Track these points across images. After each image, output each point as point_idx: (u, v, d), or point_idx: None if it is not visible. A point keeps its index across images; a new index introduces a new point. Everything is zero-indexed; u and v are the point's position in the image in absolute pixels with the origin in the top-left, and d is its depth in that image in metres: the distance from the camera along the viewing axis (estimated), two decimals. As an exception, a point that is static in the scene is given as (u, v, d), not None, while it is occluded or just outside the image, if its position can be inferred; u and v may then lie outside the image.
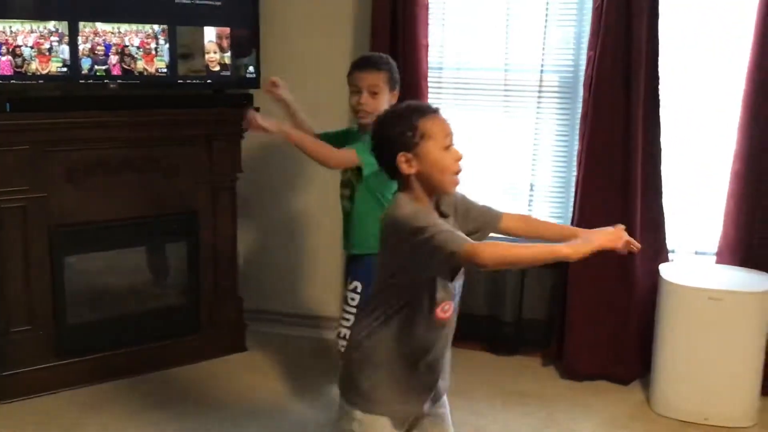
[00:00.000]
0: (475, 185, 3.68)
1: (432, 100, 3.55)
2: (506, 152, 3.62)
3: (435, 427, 2.01)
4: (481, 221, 2.00)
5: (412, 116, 1.82)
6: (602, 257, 3.28)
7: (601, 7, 3.19)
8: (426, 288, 1.81)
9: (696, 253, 3.47)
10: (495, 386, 3.37)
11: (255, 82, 3.47)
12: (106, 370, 3.31)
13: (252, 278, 3.91)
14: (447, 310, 1.89)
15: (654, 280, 3.23)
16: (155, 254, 3.64)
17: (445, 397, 2.04)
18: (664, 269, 3.21)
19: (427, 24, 3.46)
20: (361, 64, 2.65)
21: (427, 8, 3.44)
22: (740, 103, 3.18)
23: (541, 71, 3.47)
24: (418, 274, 1.79)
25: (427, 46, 3.48)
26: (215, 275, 3.57)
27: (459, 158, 1.86)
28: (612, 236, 1.89)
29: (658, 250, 3.36)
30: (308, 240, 3.89)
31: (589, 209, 3.34)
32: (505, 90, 3.55)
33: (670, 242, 3.40)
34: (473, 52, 3.64)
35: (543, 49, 3.45)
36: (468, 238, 1.71)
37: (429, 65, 3.50)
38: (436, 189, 1.86)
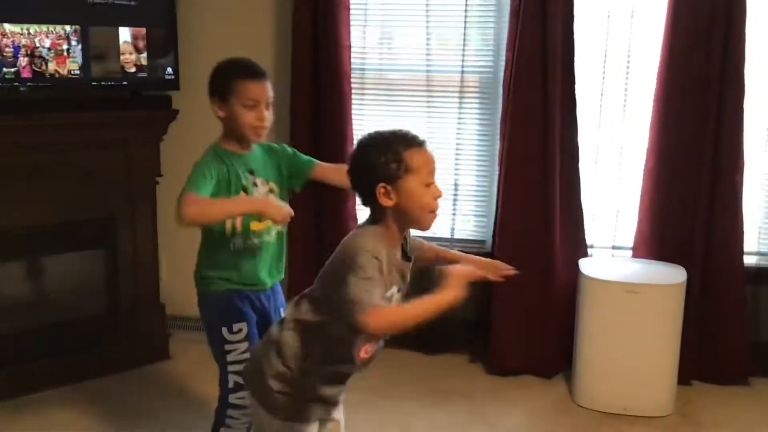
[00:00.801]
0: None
1: (355, 100, 3.55)
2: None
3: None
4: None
5: (399, 147, 1.77)
6: (525, 255, 3.38)
7: (518, 9, 3.25)
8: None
9: (613, 247, 3.58)
10: (422, 385, 3.39)
11: (174, 84, 3.39)
12: (23, 383, 3.19)
13: (176, 285, 3.82)
14: (369, 351, 1.88)
15: (574, 276, 3.31)
16: (71, 263, 3.52)
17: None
18: (583, 264, 3.29)
19: (348, 25, 3.45)
20: (256, 73, 2.26)
21: (348, 9, 3.44)
22: (652, 101, 3.29)
23: (462, 72, 3.51)
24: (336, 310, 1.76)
25: (349, 47, 3.47)
26: (135, 283, 3.48)
27: (439, 196, 1.82)
28: (487, 267, 1.97)
29: (577, 246, 3.45)
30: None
31: (512, 207, 3.40)
32: (428, 91, 3.58)
33: (589, 238, 3.50)
34: (395, 53, 3.66)
35: (463, 50, 3.49)
36: (373, 305, 1.68)
37: (351, 66, 3.50)
38: (411, 225, 1.83)
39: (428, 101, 3.58)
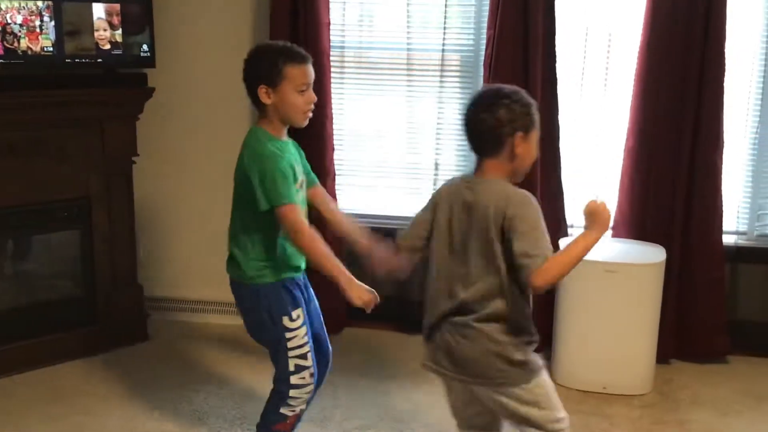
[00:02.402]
0: (381, 165, 3.70)
1: (335, 79, 3.51)
2: (410, 131, 3.62)
3: None
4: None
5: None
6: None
7: (499, -15, 3.23)
8: None
9: (594, 227, 3.58)
10: (403, 365, 3.39)
11: (150, 61, 3.33)
12: (-2, 365, 3.15)
13: (154, 265, 3.79)
14: None
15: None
16: (46, 243, 3.46)
17: None
18: (563, 244, 3.28)
19: (328, 2, 3.41)
20: (306, 57, 2.25)
21: (328, -15, 3.39)
22: (633, 81, 3.29)
23: (443, 51, 3.48)
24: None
25: (328, 24, 3.42)
26: (112, 263, 3.43)
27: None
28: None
29: (557, 226, 3.45)
30: (212, 224, 3.78)
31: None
32: (408, 69, 3.54)
33: (569, 217, 3.50)
34: (375, 31, 3.62)
35: (444, 28, 3.45)
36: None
37: (331, 44, 3.45)
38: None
39: (408, 80, 3.55)
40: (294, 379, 2.35)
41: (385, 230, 3.66)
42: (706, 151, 3.26)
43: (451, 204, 2.07)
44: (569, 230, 3.49)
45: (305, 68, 2.24)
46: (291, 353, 2.34)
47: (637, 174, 3.35)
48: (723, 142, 3.26)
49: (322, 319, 2.52)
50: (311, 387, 2.38)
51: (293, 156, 2.32)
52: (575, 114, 3.50)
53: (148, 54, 3.33)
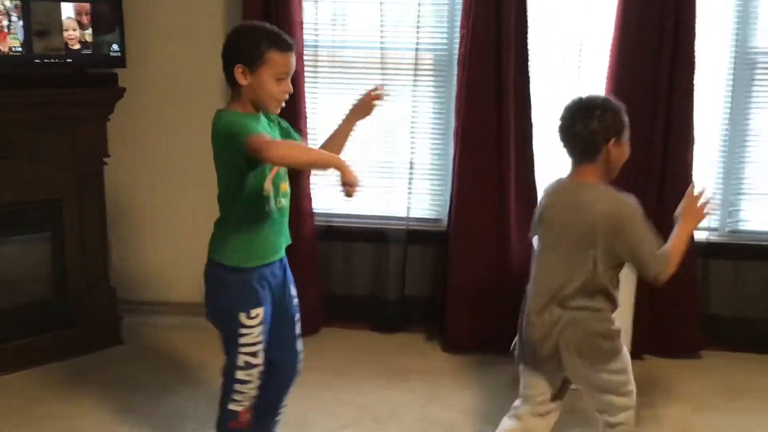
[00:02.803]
0: (355, 164, 3.68)
1: (308, 78, 3.50)
2: (385, 131, 3.61)
3: None
4: None
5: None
6: (480, 232, 3.38)
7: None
8: None
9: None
10: (379, 364, 3.39)
11: (120, 61, 3.30)
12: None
13: (127, 267, 3.75)
14: None
15: (529, 252, 3.31)
16: (17, 246, 3.41)
17: None
18: (537, 241, 3.30)
19: (300, 1, 3.39)
20: (291, 45, 2.17)
21: (300, -16, 3.38)
22: (605, 79, 3.31)
23: (416, 49, 3.48)
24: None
25: (301, 23, 3.41)
26: (84, 266, 3.39)
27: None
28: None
29: (531, 223, 3.46)
30: (185, 225, 3.75)
31: (467, 185, 3.39)
32: (382, 68, 3.54)
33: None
34: (349, 29, 3.61)
35: (417, 27, 3.45)
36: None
37: (304, 43, 3.44)
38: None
39: (383, 79, 3.54)
40: (240, 374, 2.29)
41: (360, 230, 3.69)
42: (678, 148, 3.29)
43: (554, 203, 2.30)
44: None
45: (288, 57, 2.15)
46: (242, 349, 2.27)
47: (611, 171, 3.37)
48: (694, 139, 3.29)
49: (296, 305, 2.44)
50: (256, 386, 2.31)
51: (265, 126, 2.23)
52: (548, 112, 3.51)
53: (119, 54, 3.30)
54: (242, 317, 2.25)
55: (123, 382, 3.18)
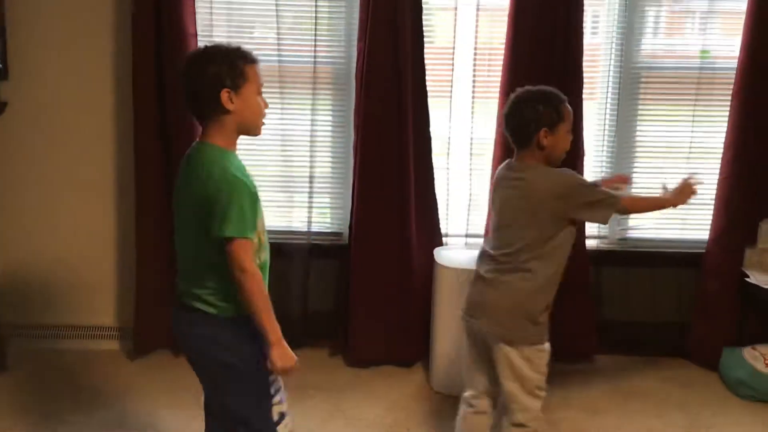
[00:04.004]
0: (254, 178, 3.63)
1: (204, 92, 3.42)
2: (284, 144, 3.57)
3: None
4: None
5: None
6: (381, 245, 3.39)
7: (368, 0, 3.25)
8: None
9: (467, 235, 3.66)
10: (282, 381, 3.33)
11: (2, 73, 3.13)
12: None
13: (13, 290, 3.55)
14: None
15: (430, 265, 3.36)
16: None
17: None
18: (438, 253, 3.35)
19: (193, 12, 3.31)
20: (256, 56, 2.09)
21: (193, -4, 3.31)
22: (498, 94, 3.39)
23: (314, 63, 3.46)
24: None
25: (195, 35, 3.33)
26: (-36, 290, 3.19)
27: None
28: None
29: (432, 236, 3.51)
30: (73, 245, 3.59)
31: (367, 199, 3.40)
32: (280, 82, 3.50)
33: (444, 227, 3.56)
34: (245, 44, 3.54)
35: (315, 41, 3.44)
36: None
37: (199, 56, 3.36)
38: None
39: (281, 93, 3.50)
40: (282, 429, 2.12)
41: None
42: (568, 161, 3.39)
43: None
44: (444, 240, 3.56)
45: (258, 68, 2.07)
46: (274, 400, 2.11)
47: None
48: (583, 152, 3.42)
49: None
50: None
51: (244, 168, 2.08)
52: (446, 126, 3.57)
53: (1, 66, 3.13)
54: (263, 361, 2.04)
55: (10, 412, 3.00)
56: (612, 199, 2.42)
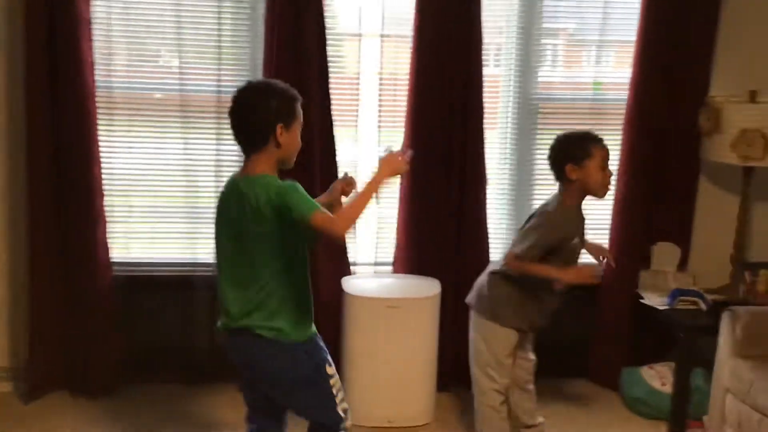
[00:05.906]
0: (157, 209, 3.54)
1: (103, 120, 3.32)
2: (188, 175, 3.50)
3: None
4: None
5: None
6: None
7: (272, 28, 3.24)
8: None
9: (375, 264, 3.68)
10: (188, 420, 3.24)
11: None
12: None
13: None
14: None
15: (339, 294, 3.34)
16: None
17: None
18: (346, 282, 3.34)
19: (90, 40, 3.22)
20: None
21: (89, 24, 3.21)
22: (403, 125, 3.44)
23: (218, 92, 3.42)
24: None
25: (92, 63, 3.24)
26: None
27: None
28: None
29: (340, 264, 3.50)
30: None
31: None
32: (182, 111, 3.44)
33: (352, 256, 3.56)
34: (146, 71, 3.48)
35: (219, 70, 3.41)
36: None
37: (96, 84, 3.27)
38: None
39: (184, 122, 3.44)
40: (348, 424, 2.35)
41: (164, 278, 3.52)
42: (471, 189, 3.48)
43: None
44: (352, 269, 3.56)
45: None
46: (338, 398, 2.32)
47: (412, 212, 3.49)
48: (486, 180, 3.50)
49: None
50: None
51: None
52: (354, 155, 3.59)
53: None
54: (328, 368, 2.31)
55: None
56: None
